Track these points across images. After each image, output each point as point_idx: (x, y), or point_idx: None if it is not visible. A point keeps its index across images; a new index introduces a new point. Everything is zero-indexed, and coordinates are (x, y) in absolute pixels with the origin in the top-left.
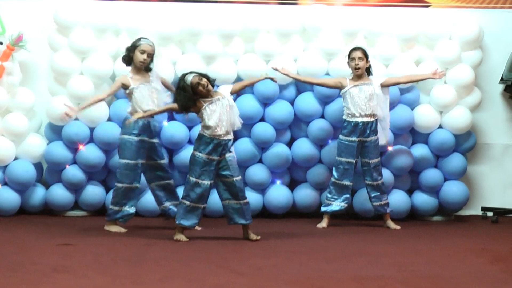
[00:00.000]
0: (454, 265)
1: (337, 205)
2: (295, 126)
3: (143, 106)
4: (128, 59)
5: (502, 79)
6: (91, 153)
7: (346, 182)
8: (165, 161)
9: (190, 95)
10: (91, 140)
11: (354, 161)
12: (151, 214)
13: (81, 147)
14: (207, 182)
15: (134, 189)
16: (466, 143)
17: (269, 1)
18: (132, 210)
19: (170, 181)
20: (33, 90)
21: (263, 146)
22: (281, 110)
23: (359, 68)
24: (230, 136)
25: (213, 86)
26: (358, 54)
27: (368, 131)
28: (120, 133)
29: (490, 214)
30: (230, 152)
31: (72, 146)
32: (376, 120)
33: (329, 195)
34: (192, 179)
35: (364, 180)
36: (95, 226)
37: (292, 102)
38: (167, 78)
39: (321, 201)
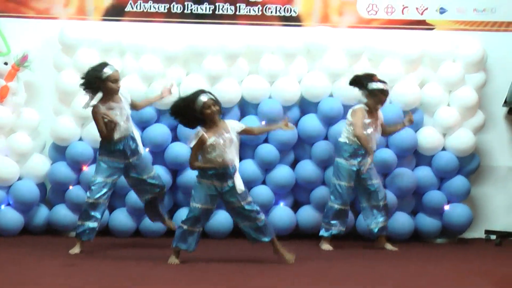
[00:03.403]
0: (457, 287)
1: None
2: (299, 147)
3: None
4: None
5: (505, 101)
6: None
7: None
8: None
9: (194, 111)
10: (94, 160)
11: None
12: (154, 235)
13: (84, 167)
14: (206, 207)
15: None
16: (470, 165)
17: (274, 22)
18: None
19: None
20: (37, 110)
21: (266, 167)
22: (285, 131)
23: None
24: (230, 165)
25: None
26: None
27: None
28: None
29: (493, 237)
30: (232, 178)
31: (76, 166)
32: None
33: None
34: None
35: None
36: (98, 246)
37: (296, 123)
38: (172, 97)
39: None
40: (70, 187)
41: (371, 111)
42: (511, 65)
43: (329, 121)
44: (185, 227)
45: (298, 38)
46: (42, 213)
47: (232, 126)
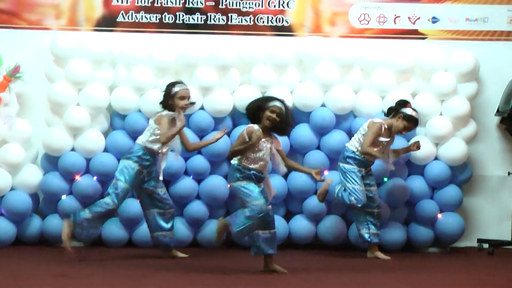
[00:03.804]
0: None
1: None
2: (291, 157)
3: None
4: (167, 106)
5: (498, 111)
6: (87, 183)
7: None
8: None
9: (261, 108)
10: (87, 171)
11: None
12: (147, 245)
13: (77, 177)
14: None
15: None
16: (462, 175)
17: (266, 32)
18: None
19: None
20: (29, 121)
21: None
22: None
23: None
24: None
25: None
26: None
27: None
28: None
29: (486, 246)
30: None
31: (68, 176)
32: None
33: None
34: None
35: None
36: (91, 257)
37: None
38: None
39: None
40: (63, 197)
41: (391, 133)
42: (503, 74)
43: (321, 131)
44: (261, 232)
45: (290, 48)
46: (35, 224)
47: (277, 142)
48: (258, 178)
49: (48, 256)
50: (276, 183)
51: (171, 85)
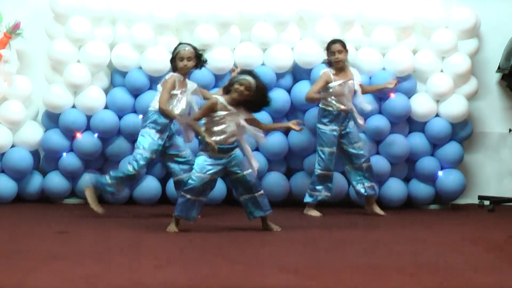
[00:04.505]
0: (451, 253)
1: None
2: (292, 114)
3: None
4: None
5: (499, 68)
6: (88, 141)
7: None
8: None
9: (231, 81)
10: (88, 128)
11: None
12: (147, 202)
13: (78, 135)
14: (208, 177)
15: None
16: (463, 131)
17: None
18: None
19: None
20: (30, 78)
21: None
22: (278, 98)
23: (339, 61)
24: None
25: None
26: (337, 47)
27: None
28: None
29: (486, 202)
30: (236, 148)
31: (69, 134)
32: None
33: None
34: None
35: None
36: (91, 214)
37: (289, 91)
38: (164, 65)
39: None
40: (64, 155)
41: (345, 73)
42: (504, 31)
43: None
44: (187, 196)
45: (290, 5)
46: (35, 181)
47: (246, 112)
48: (222, 150)
49: (49, 213)
50: (276, 140)
51: (178, 45)
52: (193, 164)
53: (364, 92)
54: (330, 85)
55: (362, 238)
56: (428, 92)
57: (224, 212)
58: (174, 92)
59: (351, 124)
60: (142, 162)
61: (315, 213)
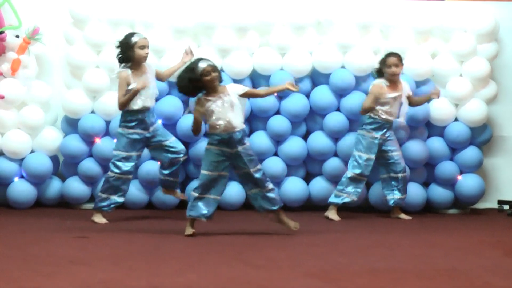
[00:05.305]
0: (470, 257)
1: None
2: (311, 119)
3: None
4: (126, 57)
5: None
6: (107, 146)
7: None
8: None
9: (195, 79)
10: (107, 133)
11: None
12: (166, 207)
13: (97, 140)
14: (214, 173)
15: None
16: (482, 136)
17: None
18: (120, 199)
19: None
20: (48, 83)
21: (278, 139)
22: (296, 103)
23: (396, 75)
24: (237, 129)
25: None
26: (394, 61)
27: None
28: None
29: (506, 207)
30: (243, 144)
31: (88, 139)
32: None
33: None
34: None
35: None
36: (110, 219)
37: (307, 95)
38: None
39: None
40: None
41: (395, 86)
42: None
43: (341, 92)
44: (195, 194)
45: (308, 10)
46: (55, 186)
47: (233, 89)
48: (225, 141)
49: (68, 218)
50: (295, 145)
51: (129, 35)
52: (182, 152)
53: (413, 103)
54: (384, 97)
55: (381, 242)
56: (447, 97)
57: (244, 217)
58: (131, 86)
59: (392, 132)
60: (118, 163)
61: (335, 216)
